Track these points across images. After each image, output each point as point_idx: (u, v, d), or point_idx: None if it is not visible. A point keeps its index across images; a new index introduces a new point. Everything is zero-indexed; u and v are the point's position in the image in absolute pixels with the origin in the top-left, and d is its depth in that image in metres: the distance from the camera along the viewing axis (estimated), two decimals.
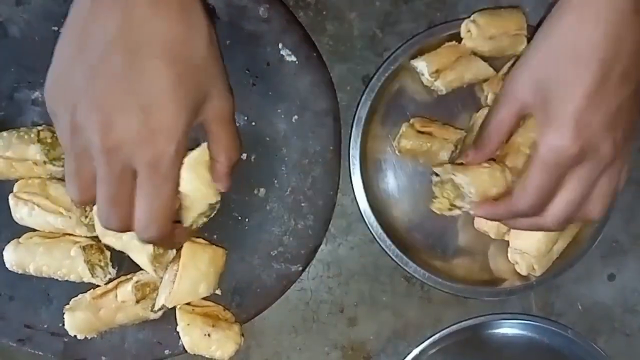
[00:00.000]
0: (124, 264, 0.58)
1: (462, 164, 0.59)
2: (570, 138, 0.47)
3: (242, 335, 0.57)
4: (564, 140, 0.47)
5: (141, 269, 0.56)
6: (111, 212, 0.45)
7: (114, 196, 0.44)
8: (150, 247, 0.53)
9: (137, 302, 0.54)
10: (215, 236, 0.60)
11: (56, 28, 0.59)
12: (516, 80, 0.52)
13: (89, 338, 0.55)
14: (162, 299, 0.54)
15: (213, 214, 0.52)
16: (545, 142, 0.48)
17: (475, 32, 0.60)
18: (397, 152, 0.63)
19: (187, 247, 0.54)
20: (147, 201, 0.45)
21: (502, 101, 0.53)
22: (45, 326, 0.59)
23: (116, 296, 0.54)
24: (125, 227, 0.46)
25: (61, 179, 0.56)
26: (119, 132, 0.42)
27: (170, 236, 0.48)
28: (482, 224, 0.62)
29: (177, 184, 0.47)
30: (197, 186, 0.48)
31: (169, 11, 0.44)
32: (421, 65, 0.61)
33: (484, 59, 0.62)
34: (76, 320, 0.53)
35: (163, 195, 0.45)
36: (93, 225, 0.55)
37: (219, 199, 0.51)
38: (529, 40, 0.61)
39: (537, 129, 0.50)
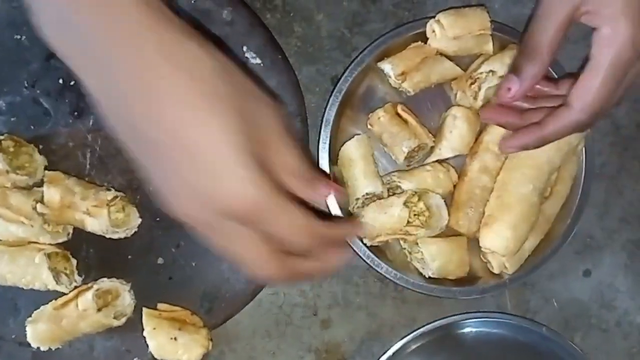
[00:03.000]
0: (90, 272, 0.59)
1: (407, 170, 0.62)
2: (635, 29, 0.46)
3: (211, 339, 0.57)
4: (636, 31, 0.46)
5: (102, 277, 0.56)
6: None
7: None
8: None
9: (99, 310, 0.54)
10: (181, 242, 0.60)
11: (19, 37, 0.59)
12: None
13: (54, 349, 0.55)
14: None
15: None
16: (618, 33, 0.47)
17: (440, 33, 0.60)
18: (368, 124, 0.63)
19: None
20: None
21: (548, 11, 0.51)
22: (13, 336, 0.59)
23: (77, 305, 0.53)
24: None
25: (23, 188, 0.56)
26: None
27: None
28: (453, 222, 0.62)
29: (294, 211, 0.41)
30: None
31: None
32: (387, 67, 0.61)
33: (450, 58, 0.62)
34: (38, 332, 0.53)
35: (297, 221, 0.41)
36: (57, 233, 0.55)
37: None
38: (494, 38, 0.62)
39: (598, 24, 0.48)
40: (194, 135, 0.38)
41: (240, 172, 0.38)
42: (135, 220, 0.58)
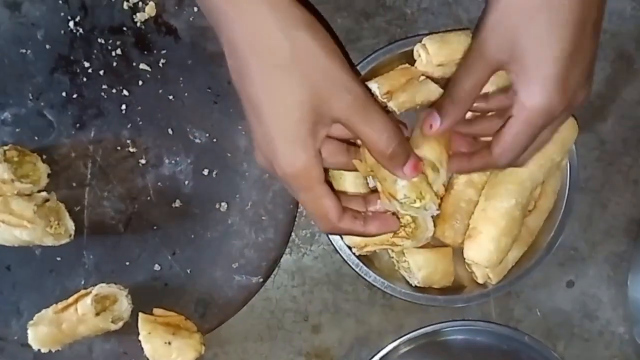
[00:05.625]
0: (90, 278, 0.61)
1: None
2: (557, 99, 0.49)
3: (204, 344, 0.59)
4: (551, 102, 0.49)
5: (101, 283, 0.59)
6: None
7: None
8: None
9: (97, 314, 0.56)
10: (177, 250, 0.63)
11: (24, 51, 0.61)
12: (488, 41, 0.52)
13: (54, 351, 0.57)
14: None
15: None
16: (532, 104, 0.49)
17: (425, 58, 0.62)
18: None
19: None
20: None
21: (475, 62, 0.53)
22: (16, 338, 0.61)
23: (77, 309, 0.56)
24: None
25: (28, 195, 0.58)
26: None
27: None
28: (440, 234, 0.64)
29: (327, 192, 0.49)
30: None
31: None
32: (373, 87, 0.63)
33: (436, 81, 0.63)
34: (39, 335, 0.56)
35: (319, 206, 0.49)
36: (60, 234, 0.58)
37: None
38: None
39: (518, 88, 0.50)
40: (262, 98, 0.46)
41: (290, 146, 0.46)
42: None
